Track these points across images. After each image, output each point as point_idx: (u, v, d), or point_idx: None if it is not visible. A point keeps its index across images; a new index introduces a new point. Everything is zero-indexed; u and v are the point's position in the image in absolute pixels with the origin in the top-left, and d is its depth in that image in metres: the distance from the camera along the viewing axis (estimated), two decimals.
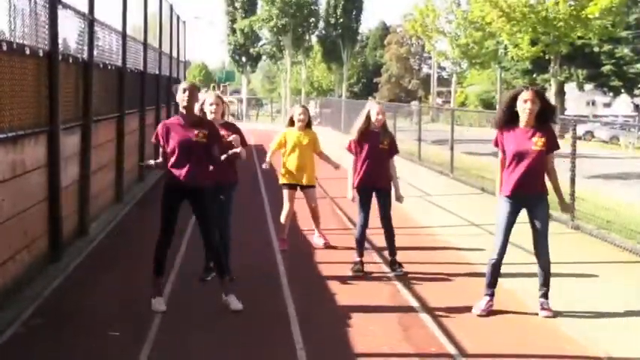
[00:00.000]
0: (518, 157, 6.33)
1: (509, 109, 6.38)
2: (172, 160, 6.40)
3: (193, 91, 6.47)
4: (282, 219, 9.12)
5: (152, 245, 7.61)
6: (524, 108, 6.25)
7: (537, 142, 6.28)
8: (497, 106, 6.60)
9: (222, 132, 6.95)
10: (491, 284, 6.62)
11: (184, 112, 6.45)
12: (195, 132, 6.42)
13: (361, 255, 8.02)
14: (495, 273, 6.60)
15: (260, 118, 60.54)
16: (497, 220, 6.57)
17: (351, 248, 9.18)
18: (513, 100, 6.35)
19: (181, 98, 6.39)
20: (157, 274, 6.60)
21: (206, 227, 6.59)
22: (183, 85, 6.52)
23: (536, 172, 6.38)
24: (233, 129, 7.32)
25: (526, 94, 6.25)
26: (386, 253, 8.22)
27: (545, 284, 6.61)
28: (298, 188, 9.08)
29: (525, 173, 6.33)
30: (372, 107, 7.95)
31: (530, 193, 6.45)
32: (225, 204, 7.39)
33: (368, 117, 7.87)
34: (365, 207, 7.92)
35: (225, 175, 7.23)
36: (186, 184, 6.42)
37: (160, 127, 6.50)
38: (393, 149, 8.04)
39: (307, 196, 9.12)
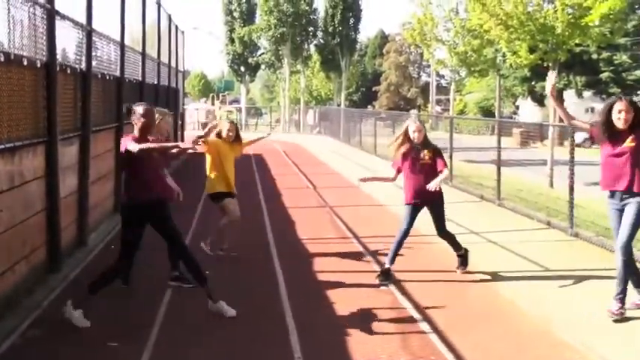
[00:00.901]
0: (611, 157, 6.52)
1: (607, 120, 6.51)
2: (147, 174, 6.45)
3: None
4: (224, 225, 9.08)
5: (151, 255, 7.67)
6: (619, 118, 6.39)
7: (629, 144, 6.41)
8: (597, 121, 6.77)
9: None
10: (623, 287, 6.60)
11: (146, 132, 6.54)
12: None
13: (391, 263, 7.98)
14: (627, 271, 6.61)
15: (259, 127, 60.63)
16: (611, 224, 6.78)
17: (349, 257, 9.20)
18: (609, 111, 6.48)
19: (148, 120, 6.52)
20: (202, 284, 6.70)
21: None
22: (142, 107, 6.58)
23: (625, 171, 6.45)
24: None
25: (620, 105, 6.40)
26: (383, 259, 8.22)
27: (619, 285, 6.52)
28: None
29: (615, 172, 6.48)
30: (409, 124, 8.00)
31: (623, 191, 6.50)
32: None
33: (406, 134, 7.94)
34: (409, 218, 7.98)
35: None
36: (159, 197, 6.57)
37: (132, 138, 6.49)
38: (438, 161, 7.93)
39: (235, 204, 9.10)
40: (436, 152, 7.99)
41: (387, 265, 7.98)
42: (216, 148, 8.87)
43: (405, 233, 7.99)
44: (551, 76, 7.45)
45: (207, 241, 9.04)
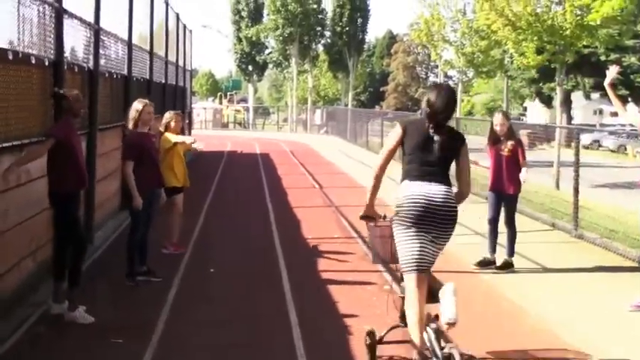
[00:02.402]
0: None
1: None
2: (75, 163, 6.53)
3: None
4: (176, 223, 9.19)
5: (157, 252, 7.74)
6: None
7: None
8: None
9: None
10: None
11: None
12: None
13: (491, 251, 8.61)
14: None
15: (267, 127, 60.71)
16: None
17: (354, 256, 9.22)
18: None
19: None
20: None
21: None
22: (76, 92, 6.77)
23: None
24: None
25: None
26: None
27: None
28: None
29: None
30: (494, 118, 8.63)
31: None
32: None
33: (492, 127, 8.52)
34: (491, 207, 8.67)
35: None
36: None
37: None
38: (517, 155, 8.41)
39: (181, 199, 9.20)
40: (517, 145, 8.45)
41: (488, 256, 8.58)
42: (164, 141, 8.93)
43: (490, 221, 8.64)
44: (613, 70, 7.59)
45: (167, 245, 9.09)
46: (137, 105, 7.67)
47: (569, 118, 46.99)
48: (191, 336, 6.07)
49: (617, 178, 19.11)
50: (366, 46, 64.02)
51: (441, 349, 4.83)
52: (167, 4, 18.69)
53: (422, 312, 4.92)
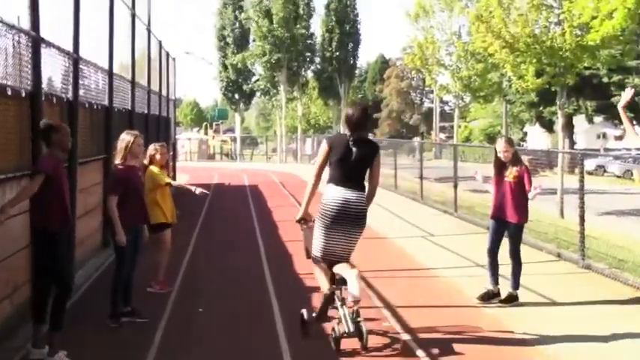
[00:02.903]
0: None
1: None
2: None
3: None
4: (164, 260, 9.17)
5: (142, 291, 7.67)
6: None
7: None
8: None
9: None
10: None
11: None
12: None
13: (493, 282, 8.56)
14: None
15: (255, 157, 60.79)
16: None
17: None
18: None
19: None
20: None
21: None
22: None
23: None
24: None
25: None
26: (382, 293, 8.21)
27: None
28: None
29: None
30: (497, 145, 8.64)
31: None
32: None
33: (496, 153, 8.55)
34: (492, 235, 8.64)
35: None
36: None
37: None
38: (523, 181, 8.36)
39: (170, 235, 9.18)
40: (523, 171, 8.43)
41: (490, 287, 8.54)
42: (152, 176, 8.91)
43: (489, 252, 8.60)
44: (628, 93, 7.63)
45: (153, 283, 9.09)
46: (126, 137, 7.65)
47: (572, 143, 47.21)
48: None
49: (624, 205, 19.16)
50: (357, 72, 64.41)
51: (354, 322, 6.46)
52: (149, 31, 18.78)
53: (327, 273, 6.81)
